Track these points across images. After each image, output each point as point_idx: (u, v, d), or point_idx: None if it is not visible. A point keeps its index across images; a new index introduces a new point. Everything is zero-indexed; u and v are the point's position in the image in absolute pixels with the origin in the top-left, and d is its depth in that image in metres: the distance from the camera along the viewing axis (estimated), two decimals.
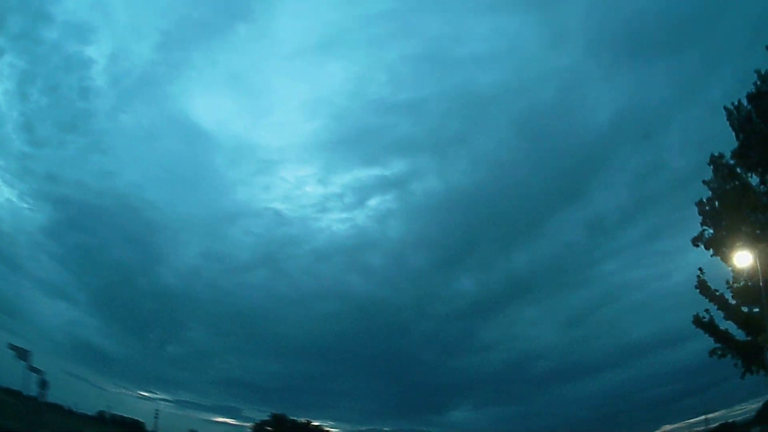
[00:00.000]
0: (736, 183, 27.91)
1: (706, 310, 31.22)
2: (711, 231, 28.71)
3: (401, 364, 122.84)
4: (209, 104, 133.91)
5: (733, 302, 30.16)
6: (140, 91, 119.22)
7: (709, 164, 30.14)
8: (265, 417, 79.79)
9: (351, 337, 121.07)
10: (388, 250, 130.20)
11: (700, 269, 31.73)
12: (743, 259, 25.16)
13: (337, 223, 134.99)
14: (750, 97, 28.87)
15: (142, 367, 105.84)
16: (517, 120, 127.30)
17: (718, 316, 31.11)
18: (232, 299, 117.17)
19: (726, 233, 26.57)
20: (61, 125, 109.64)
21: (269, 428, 77.76)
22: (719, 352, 30.46)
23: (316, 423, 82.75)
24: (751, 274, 27.25)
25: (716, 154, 30.21)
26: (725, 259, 27.93)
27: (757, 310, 29.71)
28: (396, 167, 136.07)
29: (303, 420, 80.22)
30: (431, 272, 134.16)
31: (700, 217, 28.06)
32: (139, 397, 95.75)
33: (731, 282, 30.46)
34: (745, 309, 30.70)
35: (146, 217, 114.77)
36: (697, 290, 31.13)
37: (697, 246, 27.99)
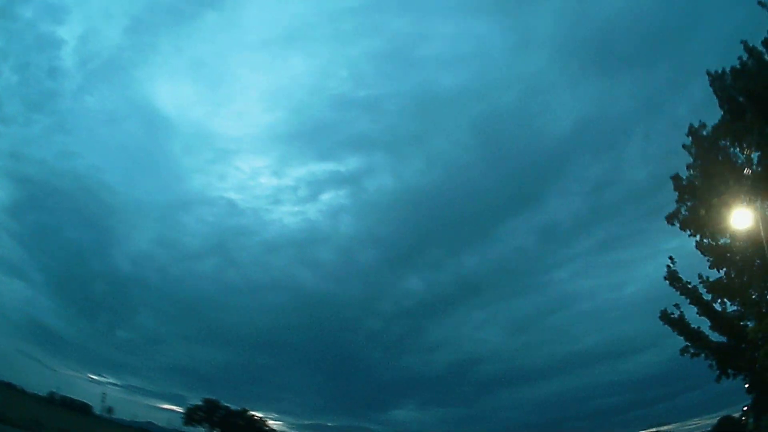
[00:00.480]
0: (720, 157, 23.65)
1: (676, 305, 27.19)
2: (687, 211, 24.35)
3: (347, 360, 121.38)
4: (171, 90, 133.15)
5: (708, 297, 26.19)
6: (106, 74, 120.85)
7: (687, 135, 25.82)
8: (198, 402, 75.91)
9: (298, 331, 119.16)
10: (339, 246, 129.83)
11: (670, 258, 27.63)
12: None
13: (288, 215, 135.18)
14: (734, 72, 24.67)
15: (93, 350, 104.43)
16: (477, 123, 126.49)
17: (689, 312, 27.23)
18: (182, 286, 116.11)
19: (707, 210, 22.27)
20: (29, 104, 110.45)
21: (201, 414, 73.77)
22: (691, 351, 26.39)
23: (255, 414, 78.62)
24: (732, 261, 23.02)
25: (696, 125, 25.89)
26: (703, 239, 23.67)
27: (735, 308, 25.82)
28: (351, 163, 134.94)
29: (238, 408, 76.10)
30: (380, 270, 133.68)
31: (676, 193, 23.73)
32: (89, 380, 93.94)
33: (706, 277, 26.39)
34: (718, 307, 26.72)
35: (103, 199, 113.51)
36: (667, 281, 26.99)
37: (672, 224, 23.72)
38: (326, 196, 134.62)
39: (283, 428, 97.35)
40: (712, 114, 24.85)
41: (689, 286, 26.35)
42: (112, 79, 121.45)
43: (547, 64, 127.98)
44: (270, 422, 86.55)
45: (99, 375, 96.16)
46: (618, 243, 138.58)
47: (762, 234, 20.31)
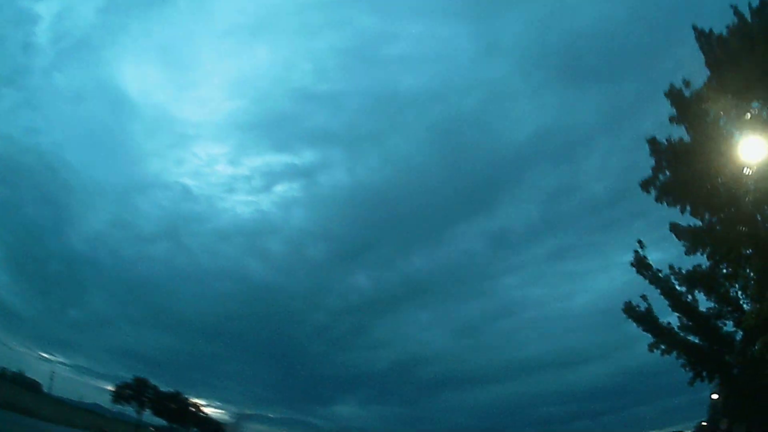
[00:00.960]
0: (707, 120, 19.73)
1: (643, 297, 23.29)
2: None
3: (291, 352, 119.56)
4: (138, 73, 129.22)
5: (681, 289, 22.30)
6: (77, 53, 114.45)
7: (666, 96, 21.76)
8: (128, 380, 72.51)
9: (244, 320, 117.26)
10: (289, 238, 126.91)
11: (639, 242, 23.73)
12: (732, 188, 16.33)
13: (242, 205, 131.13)
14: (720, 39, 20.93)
15: (44, 328, 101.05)
16: (435, 125, 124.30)
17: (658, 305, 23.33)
18: (134, 269, 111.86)
19: (691, 177, 18.15)
20: (0, 78, 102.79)
21: (130, 392, 70.61)
22: (662, 347, 22.69)
23: (191, 398, 75.41)
24: (716, 244, 18.89)
25: (677, 86, 21.79)
26: (684, 210, 19.47)
27: (711, 304, 22.03)
28: (306, 157, 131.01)
29: (171, 390, 72.67)
30: (328, 265, 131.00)
31: (653, 159, 19.52)
32: (39, 358, 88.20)
33: (678, 268, 22.52)
34: (689, 298, 22.87)
35: (63, 178, 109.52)
36: (634, 268, 23.05)
37: (648, 192, 19.49)
38: (280, 188, 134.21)
39: (225, 417, 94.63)
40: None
41: (660, 275, 22.53)
42: (81, 58, 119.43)
43: (511, 71, 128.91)
44: (212, 410, 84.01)
45: (49, 353, 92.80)
46: (570, 254, 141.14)
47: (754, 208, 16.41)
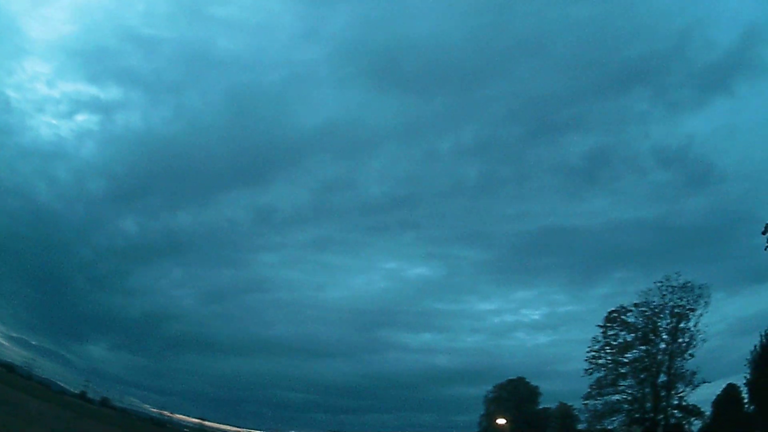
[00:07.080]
0: None
1: None
2: None
3: (58, 282, 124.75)
4: None
5: None
6: None
7: None
8: None
9: (24, 241, 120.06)
10: (76, 168, 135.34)
11: None
12: None
13: (45, 126, 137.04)
14: None
15: None
16: (234, 91, 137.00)
17: None
18: None
19: None
20: None
21: None
22: None
23: None
24: None
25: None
26: None
27: None
28: (111, 93, 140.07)
29: None
30: (104, 202, 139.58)
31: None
32: None
33: None
34: None
35: None
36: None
37: None
38: (81, 118, 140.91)
39: None
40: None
41: None
42: None
43: (322, 59, 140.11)
44: None
45: None
46: (333, 247, 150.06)
47: None
